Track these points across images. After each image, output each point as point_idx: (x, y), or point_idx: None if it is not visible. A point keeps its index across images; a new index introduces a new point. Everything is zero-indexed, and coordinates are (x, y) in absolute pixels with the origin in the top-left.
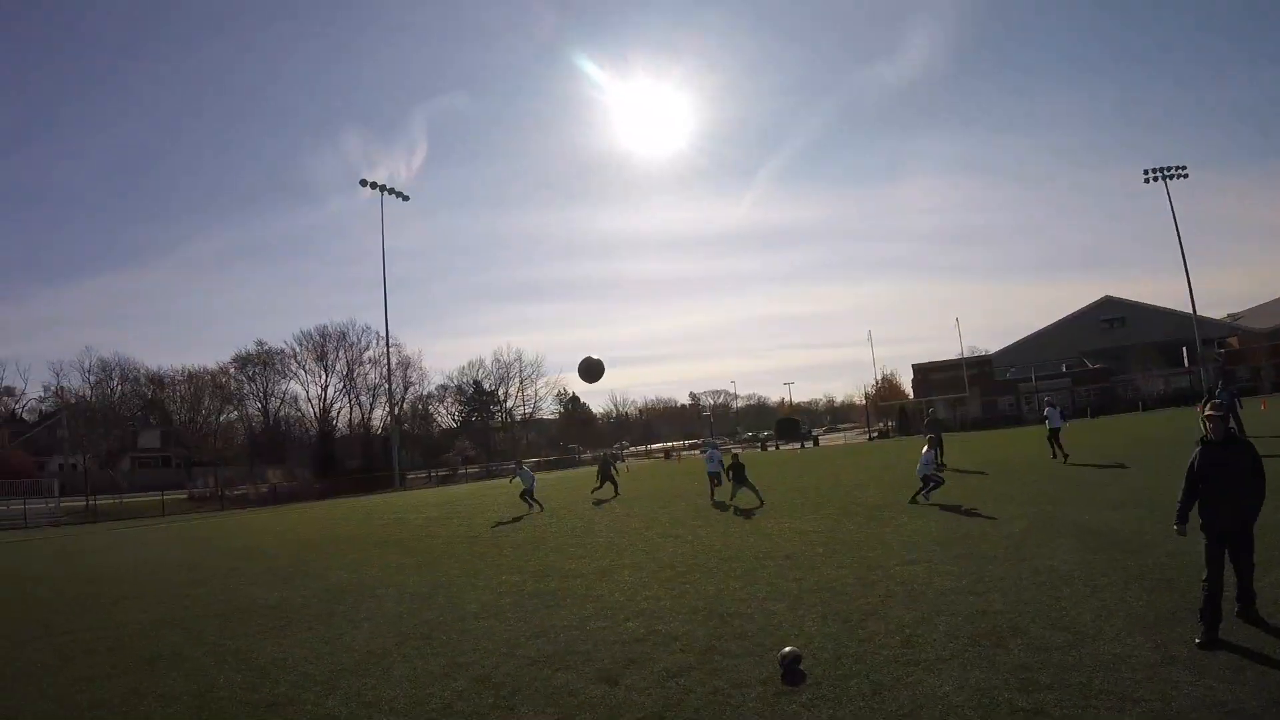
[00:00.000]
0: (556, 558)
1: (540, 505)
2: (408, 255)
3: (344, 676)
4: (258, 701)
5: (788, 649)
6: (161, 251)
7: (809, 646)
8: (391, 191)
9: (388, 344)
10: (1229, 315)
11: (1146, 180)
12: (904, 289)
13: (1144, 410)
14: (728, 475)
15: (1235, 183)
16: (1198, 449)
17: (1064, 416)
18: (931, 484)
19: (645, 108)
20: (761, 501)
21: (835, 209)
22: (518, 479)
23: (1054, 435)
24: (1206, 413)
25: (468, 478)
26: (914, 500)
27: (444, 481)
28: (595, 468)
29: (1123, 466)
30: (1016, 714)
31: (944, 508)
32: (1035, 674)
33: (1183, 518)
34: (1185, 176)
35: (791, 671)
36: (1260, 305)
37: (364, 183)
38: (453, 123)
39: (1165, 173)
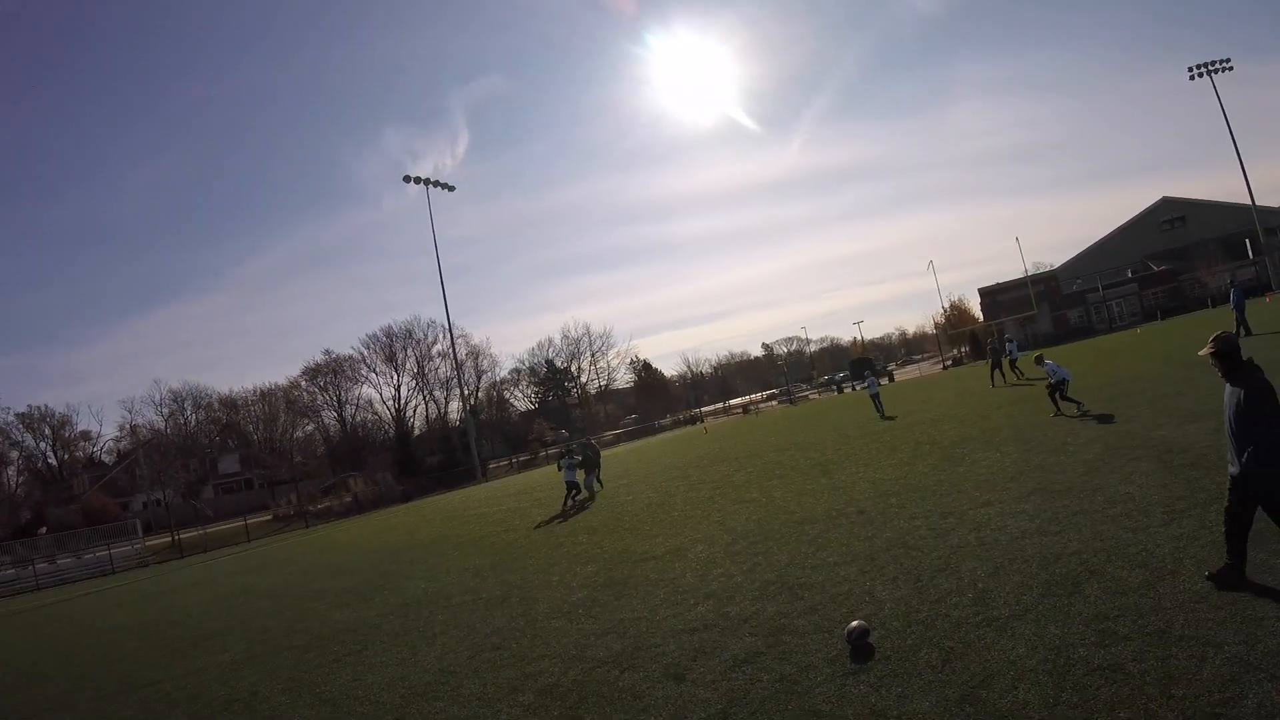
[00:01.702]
0: (631, 539)
1: (589, 492)
2: (464, 243)
3: (415, 701)
4: None
5: (854, 624)
6: (220, 273)
7: (879, 615)
8: (436, 184)
9: (451, 335)
10: None
11: (1191, 77)
12: (961, 215)
13: (1213, 306)
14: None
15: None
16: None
17: (1021, 348)
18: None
19: (688, 66)
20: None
21: (885, 145)
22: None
23: (1012, 364)
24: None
25: (550, 459)
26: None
27: (525, 466)
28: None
29: (1193, 371)
30: (1093, 673)
31: (1020, 437)
32: (1113, 623)
33: None
34: (1230, 69)
35: (859, 648)
36: None
37: (408, 179)
38: (491, 105)
39: (1210, 68)
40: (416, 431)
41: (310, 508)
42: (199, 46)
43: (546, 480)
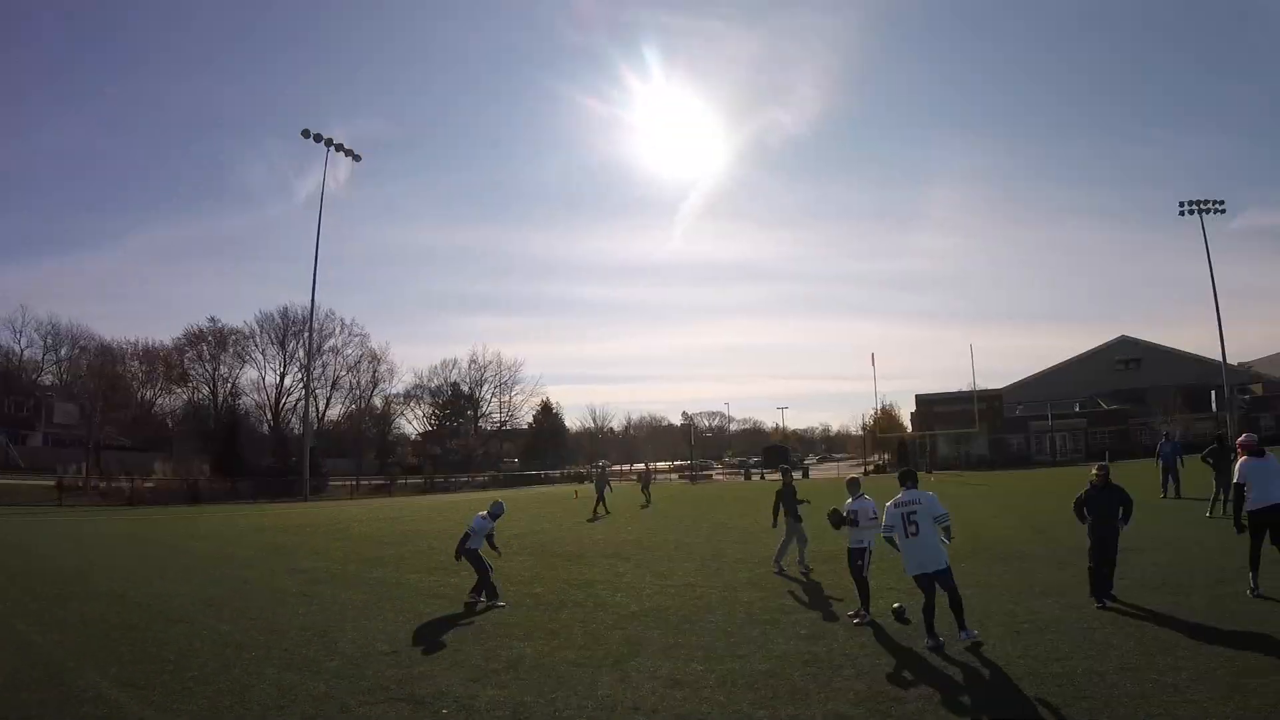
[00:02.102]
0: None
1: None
2: (359, 260)
3: None
4: None
5: None
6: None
7: None
8: (340, 148)
9: (312, 317)
10: (1239, 364)
11: (1182, 213)
12: (909, 330)
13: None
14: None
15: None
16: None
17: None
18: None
19: (647, 126)
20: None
21: (845, 247)
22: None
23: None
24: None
25: (408, 489)
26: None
27: (377, 492)
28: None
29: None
30: None
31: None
32: None
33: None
34: (1223, 211)
35: None
36: (1275, 354)
37: (306, 133)
38: (420, 131)
39: (1203, 206)
40: (294, 429)
41: (106, 484)
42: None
43: (371, 516)
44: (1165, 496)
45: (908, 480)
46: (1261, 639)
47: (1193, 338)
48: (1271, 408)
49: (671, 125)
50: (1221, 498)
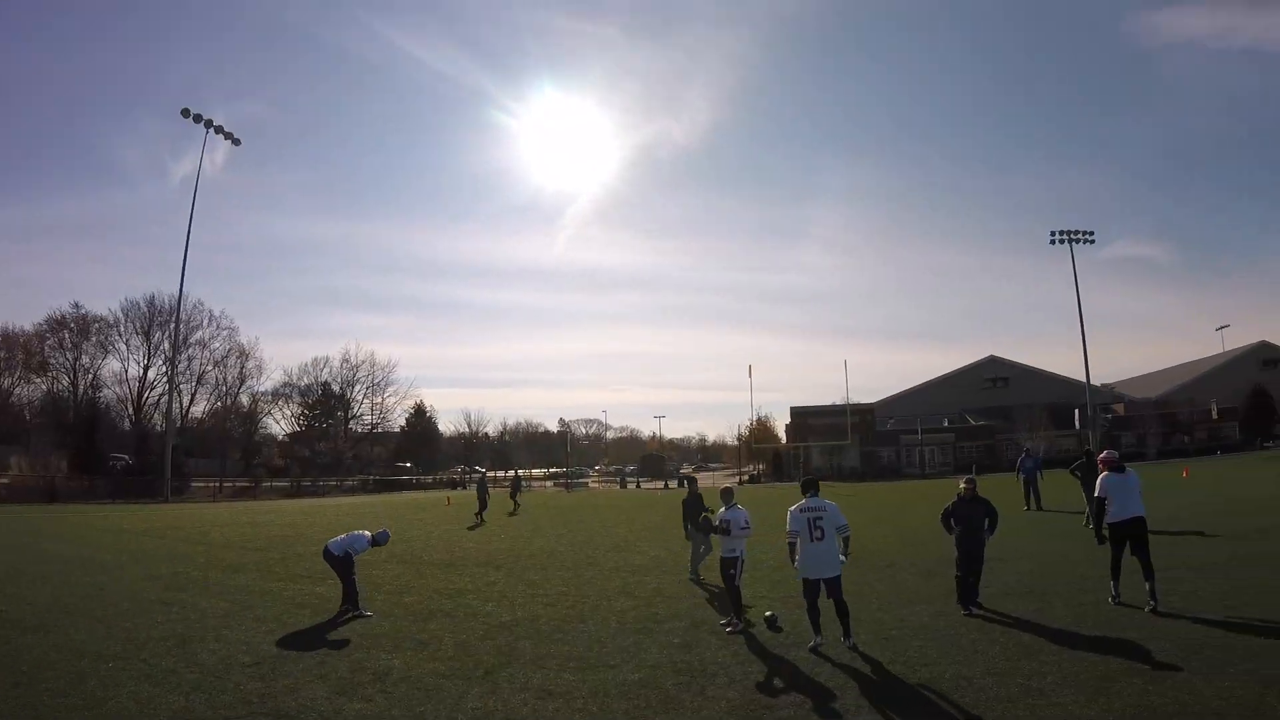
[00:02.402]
0: None
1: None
2: (234, 250)
3: None
4: None
5: None
6: None
7: None
8: (220, 130)
9: (180, 307)
10: (1103, 385)
11: (1053, 241)
12: (784, 344)
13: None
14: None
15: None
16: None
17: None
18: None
19: (538, 130)
20: None
21: (731, 260)
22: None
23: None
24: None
25: (274, 492)
26: None
27: (241, 495)
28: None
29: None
30: None
31: None
32: None
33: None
34: (1091, 241)
35: None
36: (1139, 376)
37: (186, 113)
38: (307, 121)
39: (1073, 236)
40: (156, 426)
41: None
42: None
43: (234, 519)
44: (1028, 509)
45: (810, 488)
46: (1123, 644)
47: (1059, 360)
48: (1132, 426)
49: (562, 131)
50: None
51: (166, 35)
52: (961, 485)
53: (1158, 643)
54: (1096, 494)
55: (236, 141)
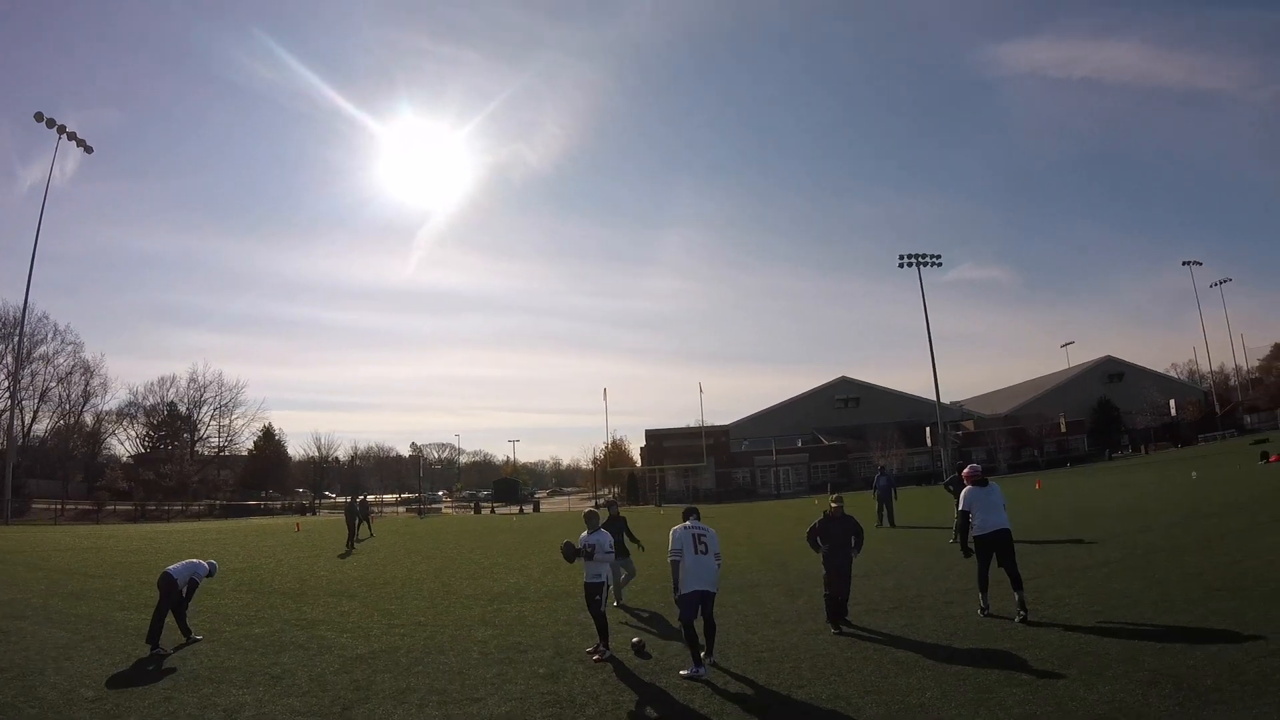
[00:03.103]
0: None
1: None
2: (75, 260)
3: None
4: None
5: None
6: None
7: None
8: (73, 137)
9: (24, 320)
10: (953, 403)
11: (901, 265)
12: (638, 369)
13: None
14: None
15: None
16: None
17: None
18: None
19: (390, 148)
20: None
21: (578, 283)
22: None
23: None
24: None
25: (117, 515)
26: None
27: (83, 518)
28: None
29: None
30: None
31: None
32: None
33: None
34: (939, 264)
35: None
36: (987, 394)
37: (40, 117)
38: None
39: (921, 259)
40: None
41: None
42: None
43: (78, 545)
44: (880, 525)
45: (691, 514)
46: (999, 654)
47: (908, 379)
48: (981, 442)
49: (417, 151)
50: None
51: (20, 38)
52: (831, 503)
53: (1033, 651)
54: (960, 508)
55: (89, 149)
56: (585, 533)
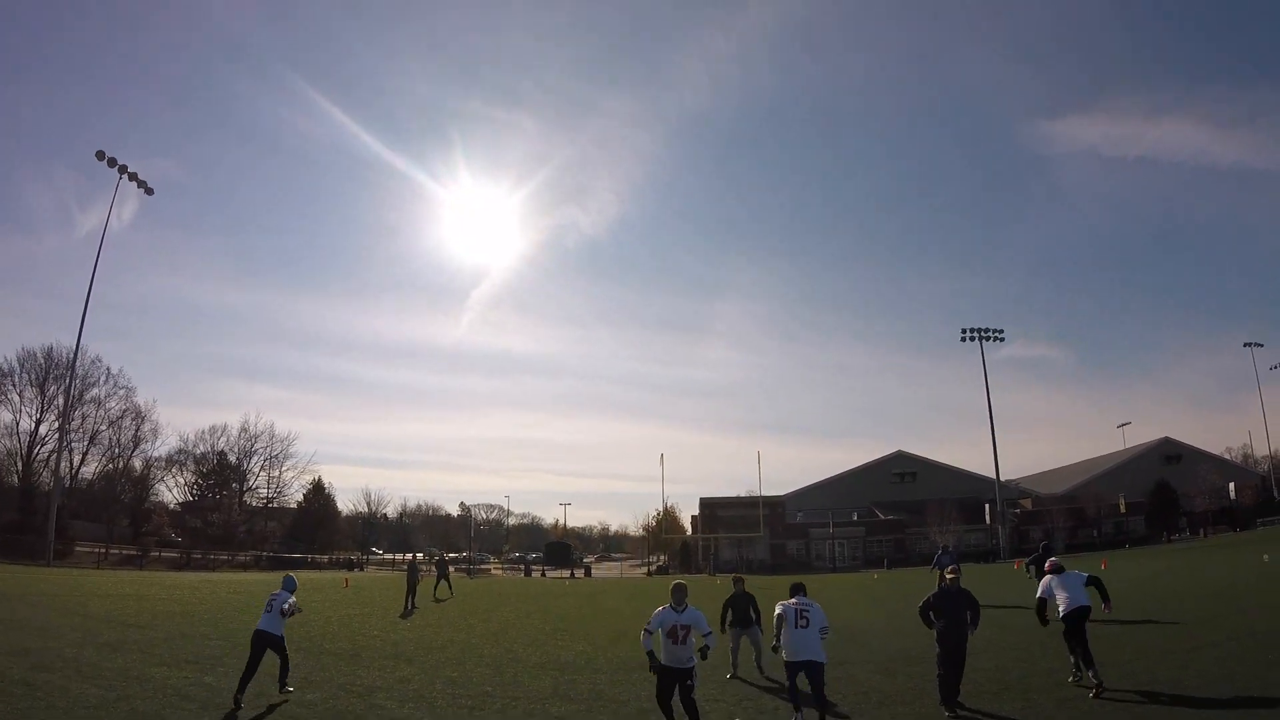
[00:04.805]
0: None
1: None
2: (131, 309)
3: None
4: None
5: None
6: None
7: None
8: (134, 177)
9: (75, 360)
10: (1009, 480)
11: (963, 339)
12: (689, 436)
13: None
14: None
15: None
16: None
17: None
18: None
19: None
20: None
21: (632, 349)
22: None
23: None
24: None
25: (162, 563)
26: None
27: (127, 563)
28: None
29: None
30: None
31: None
32: None
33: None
34: (1002, 339)
35: None
36: (1044, 472)
37: (102, 156)
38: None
39: (983, 334)
40: (47, 484)
41: None
42: None
43: (119, 592)
44: None
45: (799, 590)
46: None
47: (962, 455)
48: (1039, 520)
49: (469, 213)
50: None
51: (85, 83)
52: (948, 575)
53: None
54: (1039, 594)
55: (149, 191)
56: (663, 608)
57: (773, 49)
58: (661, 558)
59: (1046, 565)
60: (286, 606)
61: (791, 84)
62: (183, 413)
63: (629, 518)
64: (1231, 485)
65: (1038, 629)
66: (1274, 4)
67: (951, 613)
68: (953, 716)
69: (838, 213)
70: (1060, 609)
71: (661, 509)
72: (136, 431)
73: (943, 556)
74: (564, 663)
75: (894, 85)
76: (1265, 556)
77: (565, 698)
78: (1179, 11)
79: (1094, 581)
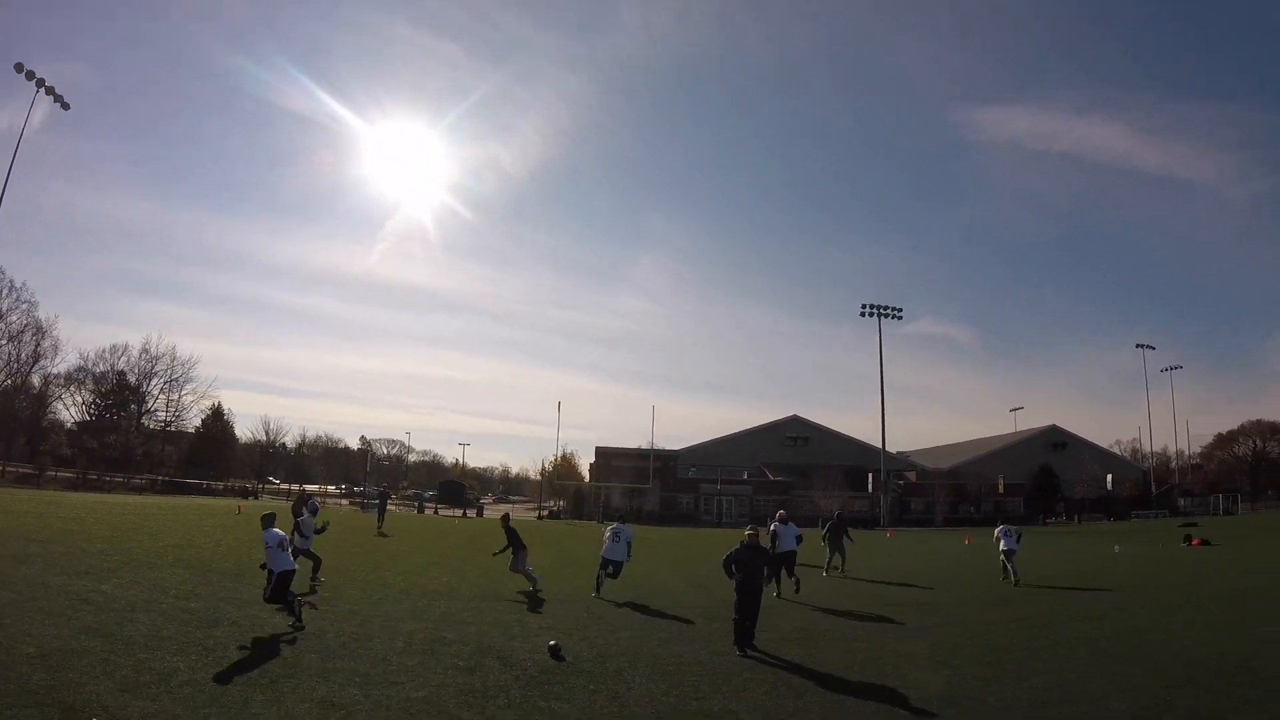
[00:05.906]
0: None
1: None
2: (52, 223)
3: None
4: None
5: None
6: None
7: None
8: (50, 91)
9: None
10: (899, 453)
11: (863, 314)
12: (592, 385)
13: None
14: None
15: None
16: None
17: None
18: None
19: (362, 136)
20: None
21: (544, 294)
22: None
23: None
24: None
25: (58, 482)
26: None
27: (23, 482)
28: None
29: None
30: None
31: None
32: None
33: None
34: (900, 318)
35: None
36: (933, 448)
37: (20, 68)
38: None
39: (883, 311)
40: None
41: None
42: None
43: (19, 509)
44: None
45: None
46: (884, 690)
47: (858, 425)
48: (921, 493)
49: (388, 140)
50: (838, 564)
51: None
52: (746, 533)
53: (916, 691)
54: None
55: (65, 106)
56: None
57: (713, 5)
58: (560, 503)
59: (776, 516)
60: (280, 543)
61: (728, 45)
62: (86, 329)
63: (530, 461)
64: (1109, 476)
65: (831, 589)
66: (1205, 23)
67: (748, 567)
68: (741, 655)
69: (762, 178)
70: (778, 549)
71: (558, 455)
72: (37, 347)
73: (832, 522)
74: (428, 590)
75: (830, 57)
76: (1116, 547)
77: (419, 618)
78: (1117, 15)
79: (798, 539)
